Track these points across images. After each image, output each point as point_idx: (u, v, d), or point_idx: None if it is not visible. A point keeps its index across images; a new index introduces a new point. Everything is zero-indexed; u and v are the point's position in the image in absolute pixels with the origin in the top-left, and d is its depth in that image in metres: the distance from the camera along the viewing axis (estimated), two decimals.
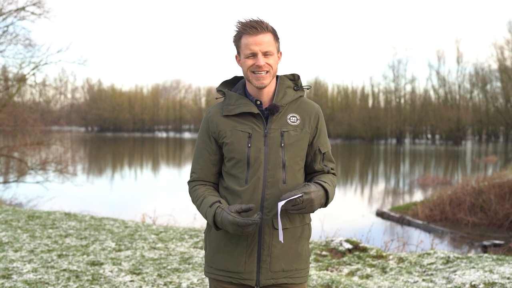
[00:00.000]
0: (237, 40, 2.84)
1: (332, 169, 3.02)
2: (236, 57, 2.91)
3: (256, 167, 2.78)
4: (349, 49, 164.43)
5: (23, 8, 28.38)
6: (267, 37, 2.78)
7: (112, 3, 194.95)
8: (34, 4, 28.45)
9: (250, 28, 2.76)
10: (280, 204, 2.61)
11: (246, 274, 2.81)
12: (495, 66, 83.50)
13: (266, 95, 2.87)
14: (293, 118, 2.87)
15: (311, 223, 3.04)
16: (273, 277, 2.82)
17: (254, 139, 2.81)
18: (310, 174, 3.01)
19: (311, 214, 2.99)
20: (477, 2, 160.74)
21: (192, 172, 2.99)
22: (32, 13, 28.68)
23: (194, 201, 2.94)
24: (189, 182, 3.02)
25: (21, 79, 30.14)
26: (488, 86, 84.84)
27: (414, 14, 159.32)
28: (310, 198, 2.64)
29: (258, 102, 2.86)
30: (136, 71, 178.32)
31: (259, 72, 2.77)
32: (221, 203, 2.76)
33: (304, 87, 2.99)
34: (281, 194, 2.76)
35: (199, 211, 2.88)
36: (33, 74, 31.29)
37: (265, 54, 2.78)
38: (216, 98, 3.06)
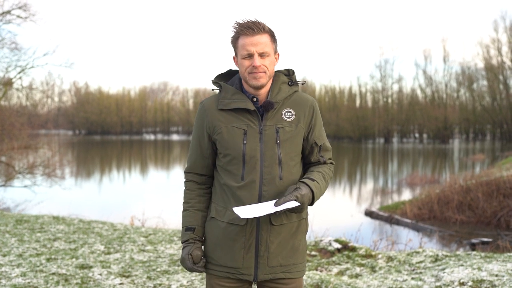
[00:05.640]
0: (234, 41, 2.86)
1: (329, 158, 3.07)
2: (233, 58, 2.93)
3: (252, 164, 2.81)
4: (336, 49, 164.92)
5: (8, 12, 28.28)
6: (263, 38, 2.80)
7: (98, 6, 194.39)
8: (20, 8, 28.38)
9: (247, 28, 2.78)
10: (277, 209, 2.64)
11: (244, 269, 2.85)
12: (481, 64, 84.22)
13: (262, 93, 2.89)
14: (288, 114, 2.90)
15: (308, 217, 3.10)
16: (271, 272, 2.86)
17: (250, 136, 2.83)
18: (306, 164, 3.05)
19: (308, 209, 3.05)
20: (463, 1, 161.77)
21: (187, 162, 3.08)
22: (18, 16, 28.60)
23: (183, 200, 3.05)
24: (184, 172, 3.10)
25: (8, 83, 30.04)
26: (475, 85, 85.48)
27: (401, 14, 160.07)
28: (302, 202, 2.71)
29: (255, 99, 2.88)
30: (123, 73, 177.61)
31: (256, 73, 2.79)
32: (194, 233, 2.96)
33: (298, 82, 3.00)
34: (278, 190, 2.80)
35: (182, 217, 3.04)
36: (20, 78, 31.24)
37: (261, 55, 2.79)
38: (212, 90, 3.07)
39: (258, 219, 2.81)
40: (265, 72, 2.81)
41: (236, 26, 2.82)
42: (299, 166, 2.97)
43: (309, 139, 2.96)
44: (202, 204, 3.01)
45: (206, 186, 3.05)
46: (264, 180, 2.80)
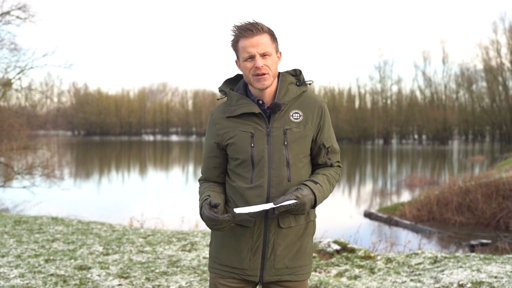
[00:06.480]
0: (235, 44, 2.84)
1: (337, 161, 3.04)
2: (236, 61, 2.91)
3: (261, 166, 2.80)
4: (335, 50, 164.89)
5: (8, 13, 28.30)
6: (263, 39, 2.78)
7: (97, 7, 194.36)
8: (19, 8, 28.40)
9: (246, 30, 2.77)
10: (272, 205, 2.64)
11: (250, 270, 2.84)
12: (480, 66, 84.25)
13: (268, 95, 2.87)
14: (296, 115, 2.87)
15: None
16: (277, 274, 2.85)
17: (257, 139, 2.82)
18: (314, 166, 3.02)
19: (316, 211, 3.03)
20: (462, 2, 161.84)
21: (201, 172, 3.08)
22: (17, 17, 28.62)
23: (199, 196, 2.99)
24: (199, 181, 3.11)
25: (7, 84, 30.05)
26: (474, 86, 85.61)
27: (400, 15, 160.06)
28: (303, 202, 2.67)
29: (260, 102, 2.86)
30: (122, 74, 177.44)
31: (259, 74, 2.78)
32: (210, 196, 2.81)
33: (306, 81, 2.97)
34: (286, 192, 2.77)
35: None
36: (19, 79, 31.26)
37: (263, 55, 2.78)
38: (218, 99, 3.07)
39: (266, 221, 2.80)
40: (268, 72, 2.79)
41: (235, 29, 2.81)
42: (307, 167, 2.95)
43: (317, 141, 2.93)
44: (218, 188, 2.96)
45: (220, 184, 3.03)
46: (272, 182, 2.79)
